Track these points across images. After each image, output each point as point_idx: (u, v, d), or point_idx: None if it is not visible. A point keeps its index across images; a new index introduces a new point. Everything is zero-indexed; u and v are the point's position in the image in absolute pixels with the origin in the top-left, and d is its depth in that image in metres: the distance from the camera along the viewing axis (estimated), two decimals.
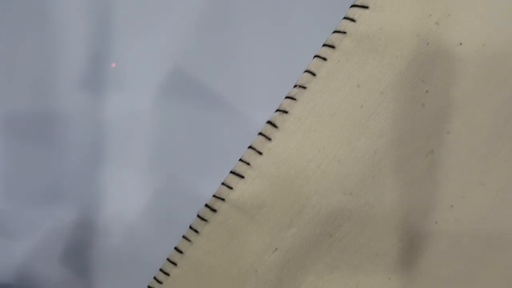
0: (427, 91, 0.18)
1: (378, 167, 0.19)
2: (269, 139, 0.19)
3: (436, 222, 0.20)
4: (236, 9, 0.32)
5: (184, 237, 0.20)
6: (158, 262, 0.21)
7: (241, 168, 0.19)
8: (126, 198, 0.32)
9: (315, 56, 0.18)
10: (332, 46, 0.18)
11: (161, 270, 0.21)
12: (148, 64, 0.32)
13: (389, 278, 0.20)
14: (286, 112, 0.18)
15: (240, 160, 0.19)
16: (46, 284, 0.31)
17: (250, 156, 0.19)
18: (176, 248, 0.20)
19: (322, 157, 0.18)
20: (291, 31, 0.32)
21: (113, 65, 0.32)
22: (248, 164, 0.19)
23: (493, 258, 0.20)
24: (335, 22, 0.18)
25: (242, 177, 0.19)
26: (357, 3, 0.18)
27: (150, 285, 0.21)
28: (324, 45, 0.18)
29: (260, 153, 0.19)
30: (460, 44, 0.18)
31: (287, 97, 0.19)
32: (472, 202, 0.20)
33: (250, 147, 0.19)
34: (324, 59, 0.18)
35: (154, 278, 0.21)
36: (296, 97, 0.18)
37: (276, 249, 0.19)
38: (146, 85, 0.32)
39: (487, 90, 0.19)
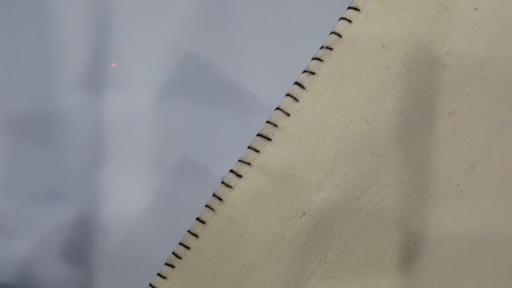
0: (447, 53, 0.19)
1: (403, 128, 0.19)
2: (297, 100, 0.19)
3: (458, 185, 0.20)
4: (236, 9, 0.33)
5: (207, 206, 0.19)
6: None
7: (269, 130, 0.19)
8: (126, 198, 0.31)
9: (341, 18, 0.19)
10: (356, 9, 0.19)
11: (181, 243, 0.20)
12: (148, 64, 0.32)
13: (414, 243, 0.20)
14: (313, 73, 0.19)
15: (268, 122, 0.19)
16: (46, 284, 0.31)
17: (278, 117, 0.19)
18: (198, 219, 0.19)
19: (350, 118, 0.19)
20: (290, 31, 0.33)
21: (113, 65, 0.32)
22: (276, 126, 0.19)
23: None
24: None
25: (270, 139, 0.19)
26: None
27: (168, 262, 0.20)
28: (349, 7, 0.19)
29: (288, 115, 0.19)
30: (476, 9, 0.19)
31: (313, 59, 0.19)
32: (491, 163, 0.20)
33: (277, 108, 0.19)
34: (350, 21, 0.19)
35: (173, 253, 0.20)
36: (323, 58, 0.19)
37: (304, 213, 0.19)
38: (146, 85, 0.32)
39: (500, 54, 0.20)
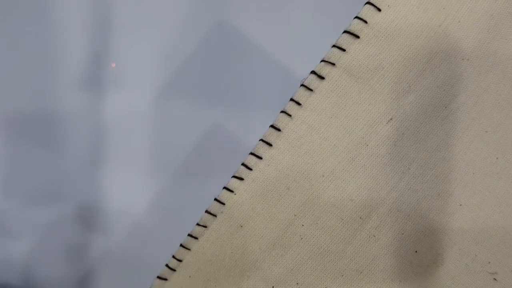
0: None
1: (493, 32, 0.18)
2: None
3: None
4: (236, 9, 0.32)
5: (283, 111, 0.18)
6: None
7: (357, 26, 0.17)
8: (126, 198, 0.32)
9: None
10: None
11: (252, 153, 0.18)
12: (148, 64, 0.32)
13: (497, 158, 0.19)
14: None
15: (356, 17, 0.17)
16: (46, 284, 0.31)
17: (368, 12, 0.17)
18: (272, 126, 0.18)
19: (443, 16, 0.17)
20: (290, 31, 0.32)
21: (113, 65, 0.32)
22: (365, 22, 0.17)
23: None
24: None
25: (358, 36, 0.17)
26: None
27: (237, 175, 0.18)
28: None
29: (379, 10, 0.17)
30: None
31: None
32: None
33: (368, 2, 0.17)
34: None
35: (243, 164, 0.18)
36: None
37: (391, 119, 0.17)
38: (146, 85, 0.32)
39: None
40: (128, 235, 0.31)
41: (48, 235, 0.31)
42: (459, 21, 0.17)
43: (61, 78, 0.32)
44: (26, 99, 0.32)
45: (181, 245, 0.19)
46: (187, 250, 0.18)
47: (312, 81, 0.17)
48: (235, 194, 0.18)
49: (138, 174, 0.31)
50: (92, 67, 0.32)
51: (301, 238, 0.18)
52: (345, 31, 0.17)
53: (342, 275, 0.18)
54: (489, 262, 0.18)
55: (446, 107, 0.18)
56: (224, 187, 0.18)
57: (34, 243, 0.31)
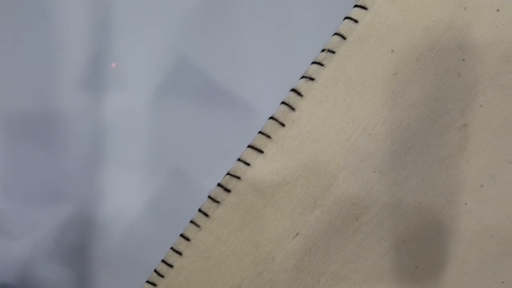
0: (463, 60, 0.17)
1: (410, 142, 0.17)
2: (293, 109, 0.17)
3: (466, 204, 0.18)
4: (236, 10, 0.32)
5: (192, 221, 0.18)
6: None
7: (261, 142, 0.17)
8: (126, 198, 0.31)
9: (346, 17, 0.17)
10: (364, 7, 0.17)
11: (163, 261, 0.18)
12: (148, 64, 0.32)
13: (416, 267, 0.18)
14: (312, 79, 0.17)
15: (260, 132, 0.17)
16: (46, 284, 0.31)
17: (272, 127, 0.17)
18: (182, 235, 0.18)
19: (351, 130, 0.17)
20: (289, 31, 0.32)
21: (113, 65, 0.32)
22: (269, 137, 0.17)
23: None
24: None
25: (261, 151, 0.17)
26: None
27: (150, 280, 0.18)
28: (355, 6, 0.17)
29: (283, 125, 0.17)
30: (498, 10, 0.17)
31: (313, 63, 0.17)
32: (500, 182, 0.18)
33: (271, 118, 0.17)
34: (356, 21, 0.17)
35: (155, 271, 0.18)
36: (324, 62, 0.17)
37: (297, 234, 0.17)
38: (146, 85, 0.32)
39: None
40: (128, 235, 0.31)
41: (47, 235, 0.31)
42: (369, 134, 0.17)
43: (61, 78, 0.32)
44: (26, 99, 0.32)
45: None
46: None
47: (219, 193, 0.17)
48: None
49: (138, 174, 0.31)
50: (92, 67, 0.32)
51: None
52: (249, 146, 0.17)
53: None
54: None
55: (357, 220, 0.17)
56: None
57: (34, 243, 0.31)
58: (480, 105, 0.17)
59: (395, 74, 0.16)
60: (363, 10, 0.16)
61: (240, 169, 0.17)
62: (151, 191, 0.31)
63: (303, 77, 0.17)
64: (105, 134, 0.31)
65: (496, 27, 0.17)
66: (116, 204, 0.31)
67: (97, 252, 0.31)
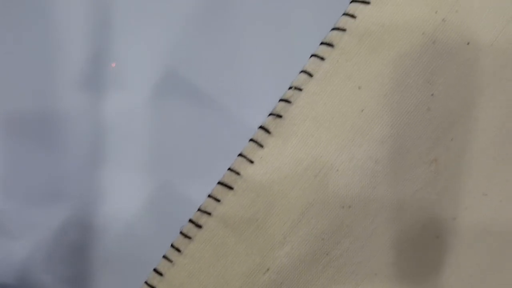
0: (432, 94, 0.17)
1: (379, 177, 0.17)
2: (261, 146, 0.17)
3: (437, 237, 0.18)
4: (235, 10, 0.32)
5: (164, 257, 0.18)
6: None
7: (230, 178, 0.17)
8: (126, 198, 0.31)
9: (312, 55, 0.17)
10: (330, 45, 0.17)
11: None
12: (148, 64, 0.32)
13: None
14: (280, 116, 0.17)
15: (229, 169, 0.17)
16: (46, 284, 0.31)
17: (240, 164, 0.17)
18: (155, 270, 0.18)
19: (319, 166, 0.17)
20: (289, 32, 0.32)
21: (113, 65, 0.32)
22: (238, 173, 0.17)
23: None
24: (335, 20, 0.17)
25: (231, 188, 0.17)
26: None
27: None
28: (322, 43, 0.17)
29: (251, 162, 0.17)
30: (468, 43, 0.17)
31: (281, 100, 0.17)
32: (474, 213, 0.18)
33: (240, 154, 0.17)
34: (322, 58, 0.17)
35: None
36: (291, 100, 0.17)
37: (268, 269, 0.17)
38: (146, 85, 0.32)
39: (493, 93, 0.17)
40: (128, 235, 0.31)
41: (47, 235, 0.31)
42: (337, 170, 0.17)
43: (61, 78, 0.32)
44: (26, 99, 0.32)
45: None
46: None
47: (190, 229, 0.17)
48: None
49: (138, 174, 0.31)
50: (92, 67, 0.32)
51: None
52: (219, 182, 0.17)
53: None
54: None
55: (327, 254, 0.17)
56: None
57: (34, 243, 0.31)
58: (452, 139, 0.17)
59: (362, 110, 0.17)
60: (329, 48, 0.17)
61: (211, 205, 0.17)
62: (151, 191, 0.31)
63: (270, 114, 0.17)
64: (105, 134, 0.31)
65: (467, 60, 0.17)
66: (116, 204, 0.31)
67: (97, 252, 0.31)
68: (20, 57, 0.32)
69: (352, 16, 0.16)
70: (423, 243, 0.18)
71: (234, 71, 0.31)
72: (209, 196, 0.17)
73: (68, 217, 0.31)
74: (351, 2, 0.17)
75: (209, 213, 0.17)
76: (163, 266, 0.18)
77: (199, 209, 0.17)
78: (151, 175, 0.31)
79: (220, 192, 0.17)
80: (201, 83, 0.31)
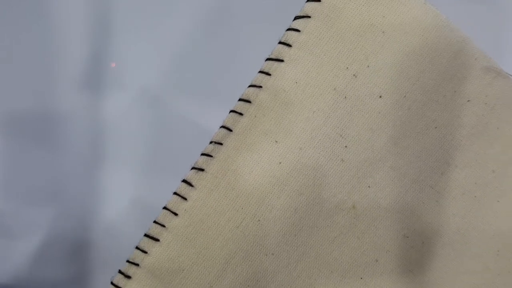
0: (346, 146, 0.18)
1: (299, 225, 0.18)
2: (185, 199, 0.17)
3: (361, 278, 0.19)
4: (235, 11, 0.32)
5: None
6: None
7: (156, 231, 0.18)
8: (126, 198, 0.31)
9: (231, 111, 0.18)
10: (248, 101, 0.17)
11: None
12: (148, 64, 0.32)
13: None
14: (202, 170, 0.17)
15: (155, 222, 0.18)
16: (46, 284, 0.30)
17: (165, 217, 0.18)
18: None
19: (241, 217, 0.17)
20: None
21: (113, 65, 0.32)
22: (163, 226, 0.18)
23: None
24: None
25: (157, 240, 0.18)
26: (272, 56, 0.18)
27: None
28: (240, 99, 0.18)
29: (176, 214, 0.17)
30: (380, 96, 0.18)
31: (202, 154, 0.18)
32: (395, 256, 0.19)
33: (164, 207, 0.18)
34: (241, 114, 0.17)
35: None
36: (212, 153, 0.17)
37: None
38: (145, 85, 0.32)
39: (407, 143, 0.18)
40: (128, 235, 0.31)
41: (47, 235, 0.31)
42: (258, 220, 0.18)
43: (61, 78, 0.32)
44: (26, 99, 0.32)
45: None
46: None
47: (120, 280, 0.18)
48: None
49: (138, 174, 0.31)
50: (92, 67, 0.32)
51: None
52: (145, 235, 0.18)
53: None
54: None
55: None
56: None
57: (34, 243, 0.31)
58: (369, 186, 0.18)
59: (280, 163, 0.17)
60: (247, 103, 0.17)
61: (138, 256, 0.18)
62: (151, 193, 0.31)
63: (193, 168, 0.18)
64: (105, 134, 0.31)
65: (379, 112, 0.18)
66: (116, 204, 0.31)
67: (97, 252, 0.31)
68: (20, 57, 0.32)
69: (267, 73, 0.17)
70: (347, 287, 0.19)
71: (234, 71, 0.31)
72: (137, 247, 0.18)
73: (68, 217, 0.31)
74: (266, 60, 0.18)
75: (137, 264, 0.18)
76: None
77: (127, 261, 0.18)
78: (151, 175, 0.31)
79: (147, 244, 0.18)
80: (200, 83, 0.32)
